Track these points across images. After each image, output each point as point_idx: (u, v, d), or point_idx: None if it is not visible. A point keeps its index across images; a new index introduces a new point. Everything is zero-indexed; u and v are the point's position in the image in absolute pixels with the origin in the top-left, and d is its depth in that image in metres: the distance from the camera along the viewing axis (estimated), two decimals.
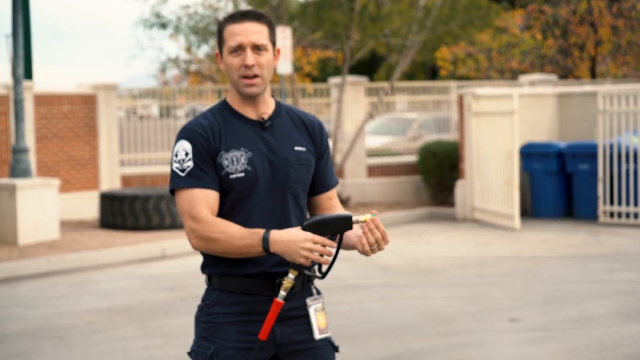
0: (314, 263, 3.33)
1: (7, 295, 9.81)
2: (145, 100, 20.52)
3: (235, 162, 3.36)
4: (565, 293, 9.12)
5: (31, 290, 10.07)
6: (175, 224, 13.38)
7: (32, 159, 14.11)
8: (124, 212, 13.47)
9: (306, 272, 3.33)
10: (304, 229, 3.26)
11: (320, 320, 3.45)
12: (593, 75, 25.00)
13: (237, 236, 3.28)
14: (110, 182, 15.40)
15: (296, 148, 3.45)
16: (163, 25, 18.39)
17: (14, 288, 10.23)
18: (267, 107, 3.46)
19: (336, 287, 9.55)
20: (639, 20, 23.76)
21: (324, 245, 3.25)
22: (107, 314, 8.73)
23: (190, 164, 3.35)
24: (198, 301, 3.55)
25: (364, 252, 3.31)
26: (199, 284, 3.54)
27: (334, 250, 3.30)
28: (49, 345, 7.64)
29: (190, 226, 3.34)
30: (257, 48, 3.37)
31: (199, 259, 3.51)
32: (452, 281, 9.97)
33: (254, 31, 3.36)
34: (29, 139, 14.28)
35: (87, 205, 15.05)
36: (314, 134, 3.53)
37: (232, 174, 3.35)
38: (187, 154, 3.36)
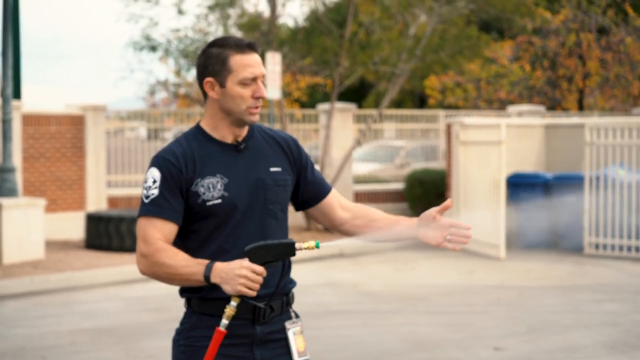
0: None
1: None
2: (133, 122, 20.51)
3: (212, 188, 3.35)
4: (550, 323, 9.13)
5: (15, 310, 10.02)
6: None
7: (18, 178, 14.08)
8: (110, 233, 13.44)
9: (250, 301, 3.29)
10: (246, 253, 3.23)
11: (299, 343, 3.45)
12: (581, 107, 25.13)
13: (183, 264, 3.27)
14: (96, 202, 15.38)
15: (272, 169, 3.45)
16: (153, 48, 18.36)
17: None
18: (242, 129, 3.47)
19: (320, 313, 9.53)
20: (627, 54, 23.93)
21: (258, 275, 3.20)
22: (91, 334, 8.69)
23: (155, 192, 3.34)
24: None
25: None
26: (183, 307, 3.53)
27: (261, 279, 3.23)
28: None
29: (140, 250, 3.33)
30: (261, 79, 3.43)
31: None
32: (437, 309, 9.96)
33: (260, 63, 3.40)
34: (16, 159, 14.26)
35: (73, 226, 15.01)
36: (289, 152, 3.53)
37: (208, 201, 3.34)
38: (154, 182, 3.35)
